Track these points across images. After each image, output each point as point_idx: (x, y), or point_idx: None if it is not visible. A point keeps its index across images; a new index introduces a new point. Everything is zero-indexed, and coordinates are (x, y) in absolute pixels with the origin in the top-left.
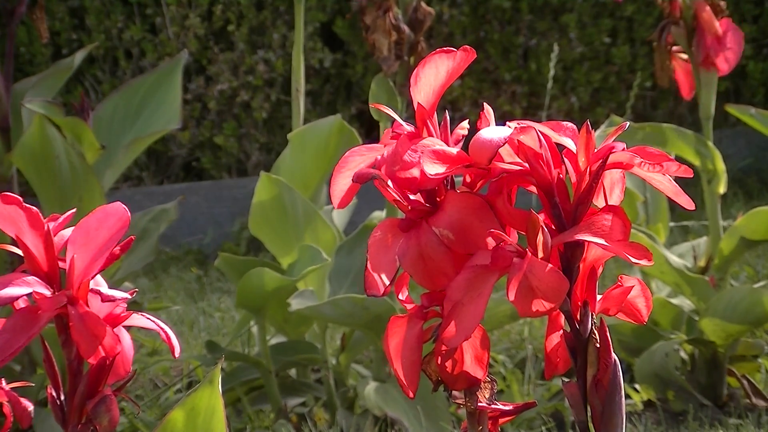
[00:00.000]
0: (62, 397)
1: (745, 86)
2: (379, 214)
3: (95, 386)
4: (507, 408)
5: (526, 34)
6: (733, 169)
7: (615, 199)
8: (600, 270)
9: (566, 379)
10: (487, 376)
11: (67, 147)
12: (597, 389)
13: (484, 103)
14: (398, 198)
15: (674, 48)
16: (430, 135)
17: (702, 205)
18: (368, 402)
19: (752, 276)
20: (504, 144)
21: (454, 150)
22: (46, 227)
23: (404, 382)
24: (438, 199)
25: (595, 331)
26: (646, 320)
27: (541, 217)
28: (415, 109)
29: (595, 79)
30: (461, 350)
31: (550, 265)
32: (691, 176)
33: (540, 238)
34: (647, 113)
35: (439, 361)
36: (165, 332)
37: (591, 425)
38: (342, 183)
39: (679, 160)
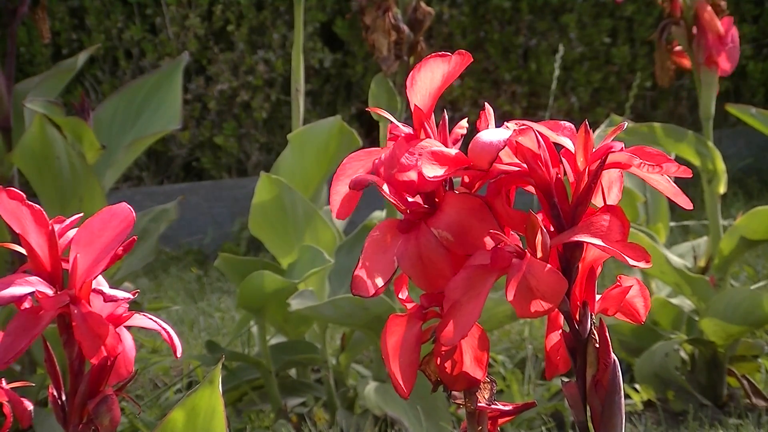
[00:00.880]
0: (63, 397)
1: (745, 86)
2: (379, 214)
3: (96, 386)
4: (507, 408)
5: (526, 34)
6: (733, 169)
7: (613, 198)
8: (599, 270)
9: (566, 379)
10: (487, 376)
11: (67, 147)
12: (596, 389)
13: (485, 103)
14: (396, 201)
15: (676, 48)
16: (428, 137)
17: (702, 205)
18: (368, 402)
19: (752, 276)
20: (504, 147)
21: (453, 151)
22: (50, 226)
23: (399, 381)
24: (436, 200)
25: (595, 332)
26: (644, 320)
27: (540, 217)
28: (412, 111)
29: (595, 79)
30: (460, 351)
31: (549, 266)
32: (690, 176)
33: (539, 238)
34: (647, 113)
35: (438, 362)
36: (167, 332)
37: (591, 425)
38: (340, 191)
39: (679, 160)
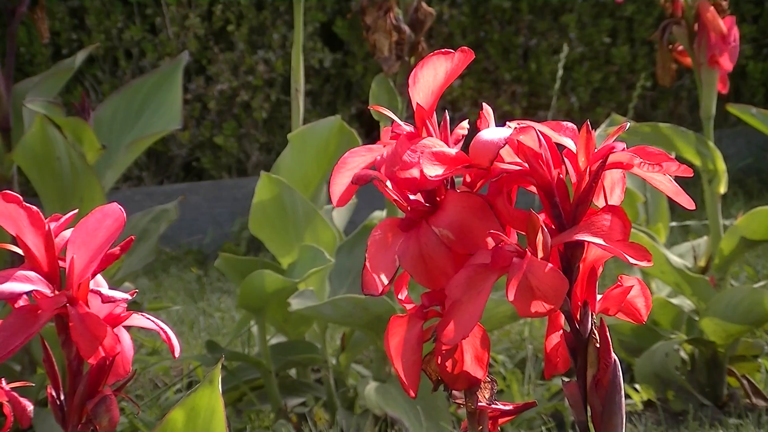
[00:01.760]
0: (62, 397)
1: (745, 86)
2: (379, 214)
3: (95, 386)
4: (507, 408)
5: (526, 34)
6: (733, 169)
7: (615, 199)
8: (600, 270)
9: (566, 379)
10: (487, 376)
11: (67, 147)
12: (597, 389)
13: (484, 103)
14: (398, 198)
15: (678, 48)
16: (430, 135)
17: (702, 204)
18: (368, 402)
19: (752, 276)
20: (504, 145)
21: (454, 151)
22: (46, 227)
23: (405, 381)
24: (438, 198)
25: (595, 331)
26: (645, 320)
27: (541, 217)
28: (414, 109)
29: (595, 79)
30: (461, 350)
31: (550, 265)
32: (691, 176)
33: (540, 238)
34: (647, 113)
35: (439, 361)
36: (165, 332)
37: (591, 425)
38: (341, 182)
39: (680, 159)
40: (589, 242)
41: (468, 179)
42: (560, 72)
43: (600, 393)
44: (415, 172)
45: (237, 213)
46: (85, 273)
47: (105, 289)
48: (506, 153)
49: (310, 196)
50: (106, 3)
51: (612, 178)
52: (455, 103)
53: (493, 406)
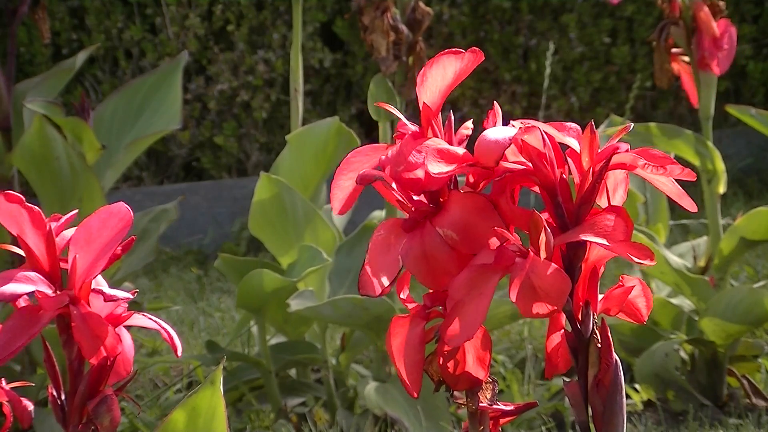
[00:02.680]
0: (63, 397)
1: (745, 86)
2: (378, 214)
3: (96, 386)
4: (508, 408)
5: (526, 34)
6: (733, 169)
7: (618, 199)
8: (601, 270)
9: (567, 379)
10: (488, 376)
11: (67, 147)
12: (598, 389)
13: (495, 102)
14: (401, 199)
15: (674, 49)
16: (435, 135)
17: (702, 205)
18: (368, 402)
19: (752, 276)
20: (510, 144)
21: (458, 149)
22: (48, 227)
23: (407, 382)
24: (441, 199)
25: (597, 331)
26: (646, 320)
27: (544, 216)
28: (421, 108)
29: (595, 79)
30: (463, 351)
31: (552, 265)
32: (694, 179)
33: (542, 237)
34: (647, 113)
35: (441, 362)
36: (167, 332)
37: (592, 425)
38: (343, 185)
39: (679, 160)
40: (591, 242)
41: (471, 179)
42: (548, 70)
43: (601, 393)
44: (420, 173)
45: (237, 213)
46: (89, 273)
47: (106, 289)
48: (510, 152)
49: (309, 196)
50: (106, 3)
51: (615, 178)
52: (455, 104)
53: (494, 406)
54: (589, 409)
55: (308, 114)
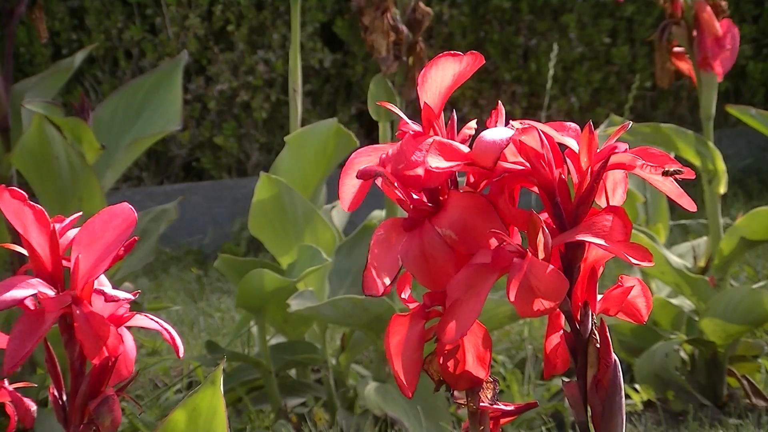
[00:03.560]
0: (64, 397)
1: (745, 86)
2: (378, 214)
3: (98, 386)
4: (509, 408)
5: (526, 34)
6: (733, 169)
7: (617, 199)
8: (600, 270)
9: (566, 379)
10: (489, 376)
11: (67, 147)
12: (597, 389)
13: (499, 102)
14: (402, 197)
15: (676, 49)
16: (437, 135)
17: (702, 205)
18: (368, 402)
19: (752, 276)
20: (508, 145)
21: (458, 145)
22: (51, 226)
23: (403, 381)
24: (441, 198)
25: (596, 332)
26: (646, 320)
27: (543, 217)
28: (422, 109)
29: (595, 79)
30: (463, 350)
31: (550, 266)
32: (693, 179)
33: (541, 238)
34: (647, 113)
35: (441, 361)
36: (168, 332)
37: (591, 425)
38: (349, 185)
39: (680, 160)
40: (590, 243)
41: (471, 179)
42: (551, 72)
43: (600, 393)
44: (419, 171)
45: (237, 213)
46: (92, 273)
47: (108, 289)
48: (509, 152)
49: (309, 197)
50: (106, 3)
51: (614, 178)
52: (455, 104)
53: (495, 406)
54: (589, 410)
55: (308, 114)
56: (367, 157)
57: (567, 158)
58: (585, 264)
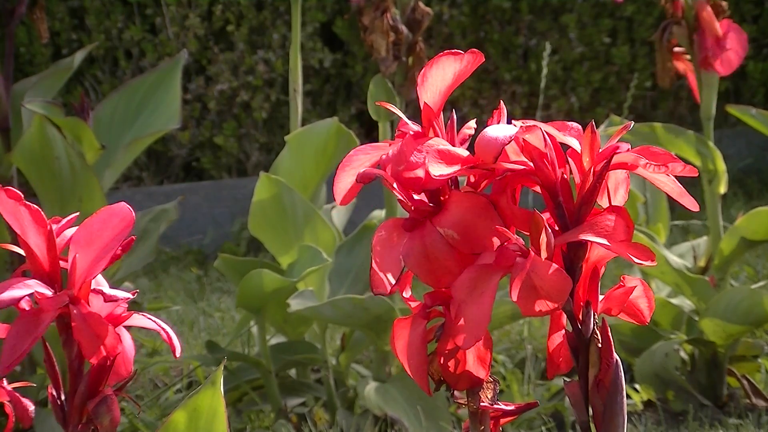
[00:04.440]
0: (63, 397)
1: (745, 86)
2: (378, 214)
3: (96, 386)
4: (509, 408)
5: (526, 34)
6: (733, 169)
7: (619, 199)
8: (602, 270)
9: (567, 379)
10: (489, 375)
11: (67, 147)
12: (599, 389)
13: (501, 102)
14: (402, 198)
15: (677, 48)
16: (437, 135)
17: (702, 205)
18: (368, 402)
19: (752, 276)
20: (509, 142)
21: (459, 150)
22: (48, 226)
23: (419, 383)
24: (442, 198)
25: (597, 331)
26: (648, 321)
27: (545, 216)
28: (422, 108)
29: (595, 79)
30: (463, 350)
31: (553, 265)
32: (696, 175)
33: (543, 237)
34: (647, 113)
35: (441, 361)
36: (166, 332)
37: (592, 425)
38: (345, 181)
39: (680, 159)
40: (592, 242)
41: (472, 179)
42: (545, 71)
43: (602, 393)
44: (420, 172)
45: (237, 213)
46: (90, 273)
47: (106, 289)
48: (512, 152)
49: (309, 196)
50: (106, 3)
51: (616, 178)
52: (455, 104)
53: (495, 406)
54: (590, 409)
55: (308, 114)
56: (366, 155)
57: (569, 158)
58: (587, 264)
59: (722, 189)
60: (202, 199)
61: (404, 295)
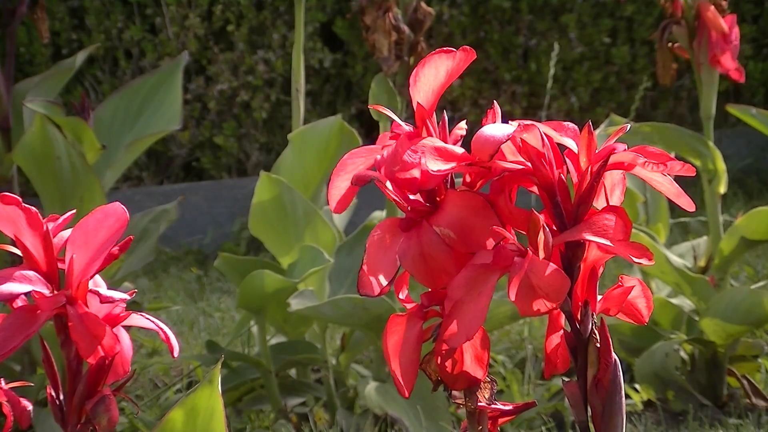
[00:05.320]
0: (61, 397)
1: (745, 86)
2: (379, 214)
3: (94, 386)
4: (507, 408)
5: (526, 34)
6: (733, 169)
7: (616, 200)
8: (600, 270)
9: (566, 379)
10: (487, 376)
11: (68, 147)
12: (597, 389)
13: (495, 102)
14: (397, 199)
15: (675, 46)
16: (430, 135)
17: (702, 204)
18: (368, 402)
19: (752, 276)
20: (507, 141)
21: (456, 148)
22: (45, 227)
23: (401, 381)
24: (438, 198)
25: (596, 331)
26: (647, 320)
27: (542, 216)
28: (415, 108)
29: (595, 79)
30: (461, 350)
31: (551, 265)
32: (694, 175)
33: (541, 237)
34: (647, 113)
35: (438, 361)
36: (164, 332)
37: (591, 425)
38: (340, 186)
39: (679, 159)
40: (590, 242)
41: (468, 179)
42: (552, 71)
43: (600, 393)
44: (415, 173)
45: (237, 213)
46: (86, 273)
47: (103, 289)
48: (509, 151)
49: (310, 196)
50: (106, 3)
51: (612, 178)
52: (455, 103)
53: (493, 406)
54: (589, 409)
55: (308, 114)
56: (360, 159)
57: (566, 158)
58: (585, 264)
59: (722, 189)
60: (202, 199)
61: (400, 296)
